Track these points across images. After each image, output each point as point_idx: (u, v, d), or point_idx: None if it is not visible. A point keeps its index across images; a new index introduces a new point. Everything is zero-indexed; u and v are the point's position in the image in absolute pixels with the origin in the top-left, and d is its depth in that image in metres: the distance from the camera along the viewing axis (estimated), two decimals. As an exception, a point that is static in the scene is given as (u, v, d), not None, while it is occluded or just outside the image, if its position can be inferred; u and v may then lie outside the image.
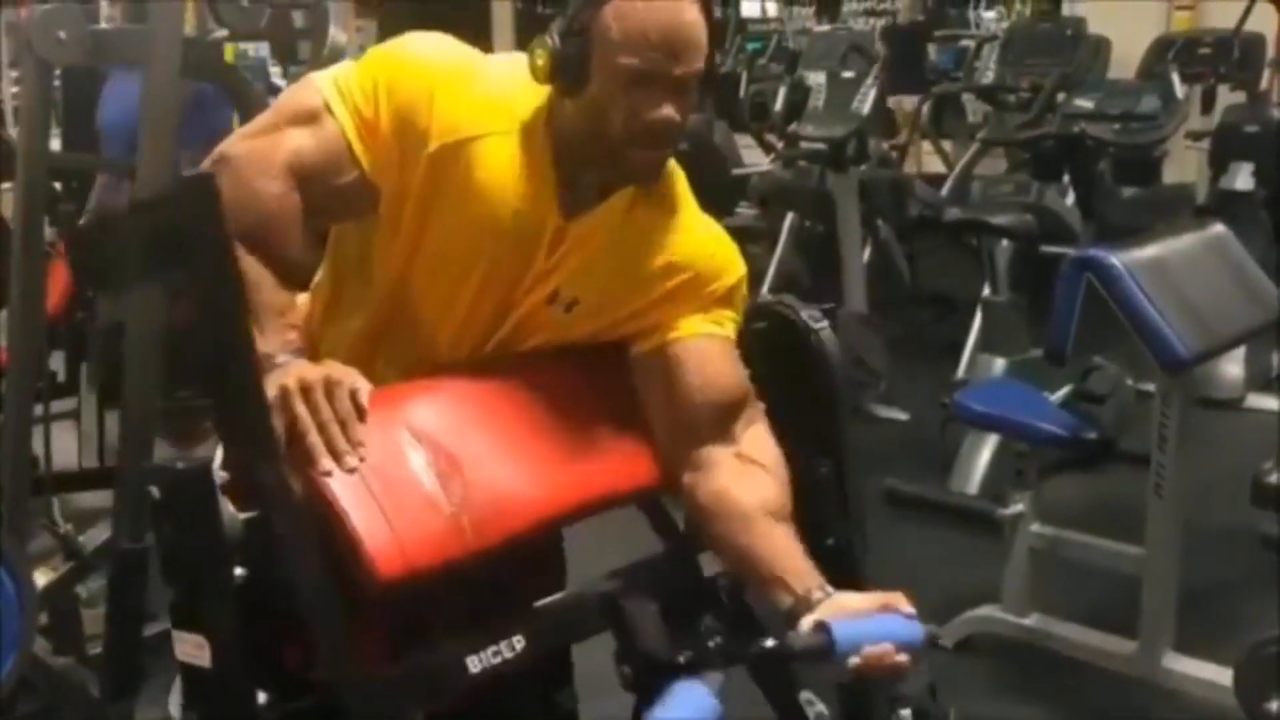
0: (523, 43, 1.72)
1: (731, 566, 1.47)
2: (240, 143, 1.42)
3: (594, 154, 1.40)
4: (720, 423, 1.47)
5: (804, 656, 1.32)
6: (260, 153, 1.38)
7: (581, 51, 1.35)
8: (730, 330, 1.51)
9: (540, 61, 1.37)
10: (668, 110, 1.36)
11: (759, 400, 1.52)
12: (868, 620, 1.35)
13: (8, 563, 2.28)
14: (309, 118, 1.39)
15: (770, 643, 1.31)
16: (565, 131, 1.42)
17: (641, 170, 1.42)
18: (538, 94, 1.42)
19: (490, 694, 1.36)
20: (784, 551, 1.41)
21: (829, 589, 1.39)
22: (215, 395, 1.20)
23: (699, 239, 1.51)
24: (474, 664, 1.34)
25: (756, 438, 1.49)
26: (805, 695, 1.60)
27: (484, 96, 1.42)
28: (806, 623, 1.35)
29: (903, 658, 1.33)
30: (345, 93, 1.39)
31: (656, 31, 1.33)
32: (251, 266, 1.31)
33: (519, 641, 1.36)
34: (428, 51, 1.43)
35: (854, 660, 1.30)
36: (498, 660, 1.35)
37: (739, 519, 1.43)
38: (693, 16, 1.36)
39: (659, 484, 1.54)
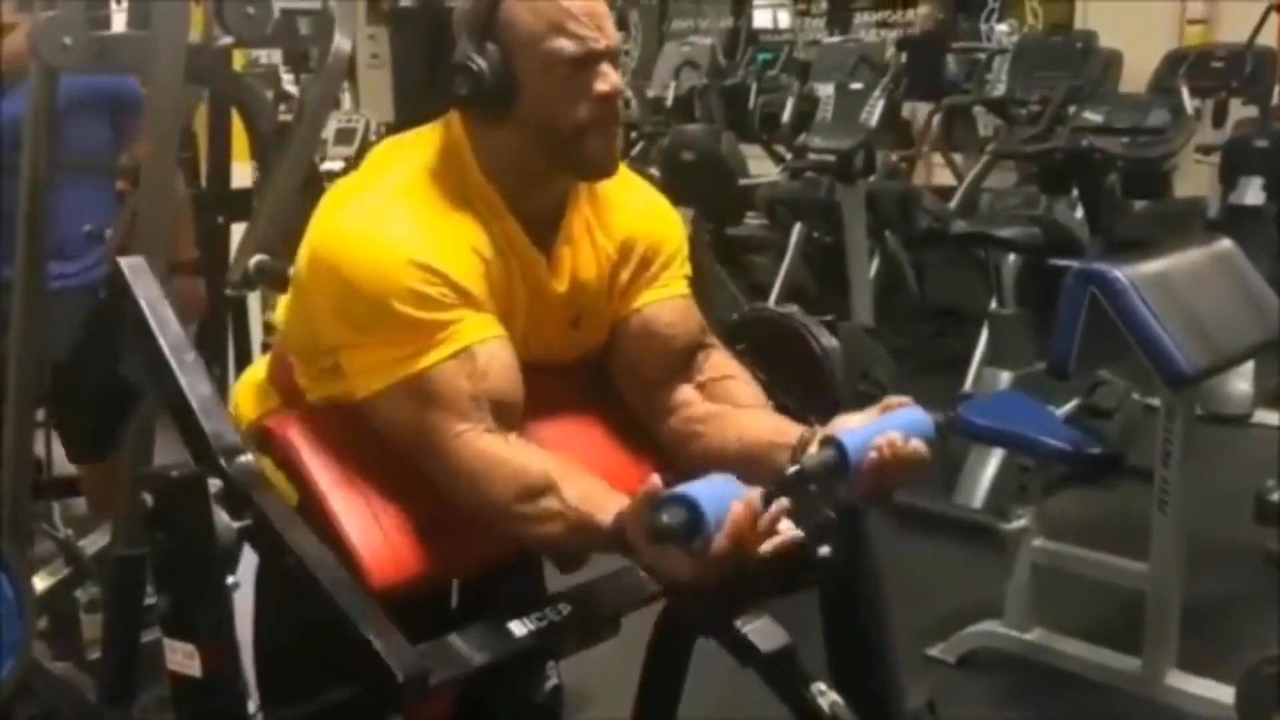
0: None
1: (733, 467, 1.43)
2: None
3: (547, 164, 1.39)
4: (683, 366, 1.52)
5: (820, 473, 1.29)
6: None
7: (501, 62, 1.33)
8: (680, 286, 1.54)
9: (465, 91, 1.34)
10: (613, 78, 1.36)
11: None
12: (872, 423, 1.35)
13: (8, 567, 2.28)
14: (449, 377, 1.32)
15: (789, 470, 1.28)
16: (505, 161, 1.39)
17: (600, 158, 1.40)
18: (453, 160, 1.39)
19: (469, 695, 1.36)
20: (771, 424, 1.46)
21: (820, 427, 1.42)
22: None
23: (637, 213, 1.52)
24: (519, 628, 1.32)
25: (718, 362, 1.54)
26: (817, 686, 1.58)
27: (443, 225, 1.35)
28: (814, 445, 1.35)
29: (917, 444, 1.32)
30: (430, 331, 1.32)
31: (576, 7, 1.34)
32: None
33: (565, 608, 1.36)
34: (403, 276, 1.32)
35: (871, 456, 1.29)
36: (544, 624, 1.34)
37: (720, 422, 1.48)
38: None
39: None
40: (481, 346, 1.33)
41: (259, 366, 1.56)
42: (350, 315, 1.33)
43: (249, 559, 1.40)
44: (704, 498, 1.18)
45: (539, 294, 1.44)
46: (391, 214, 1.34)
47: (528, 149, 1.38)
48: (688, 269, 1.56)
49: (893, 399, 1.40)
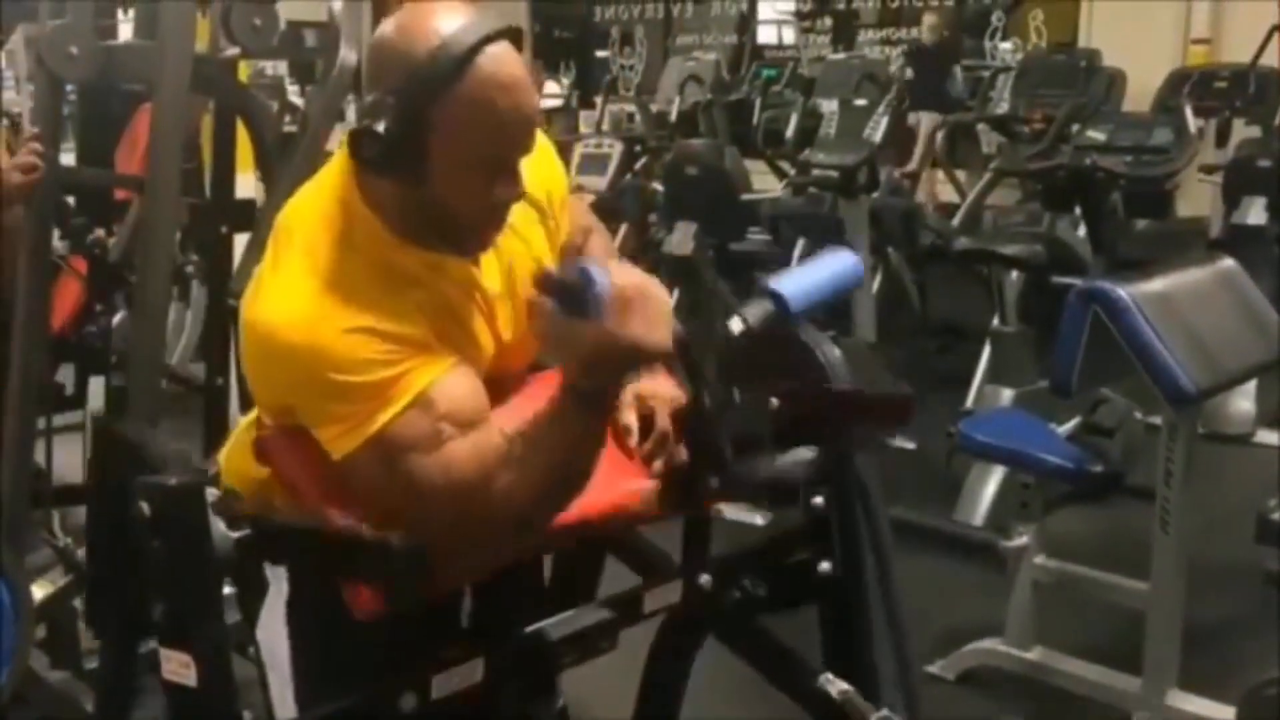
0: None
1: None
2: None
3: (437, 229, 1.36)
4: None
5: (764, 326, 1.34)
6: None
7: (418, 139, 1.27)
8: (571, 205, 1.61)
9: (368, 153, 1.28)
10: (515, 189, 1.34)
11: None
12: (808, 270, 1.41)
13: (6, 575, 2.28)
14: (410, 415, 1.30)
15: (735, 325, 1.33)
16: (393, 205, 1.35)
17: (472, 251, 1.39)
18: (353, 208, 1.36)
19: (469, 713, 1.35)
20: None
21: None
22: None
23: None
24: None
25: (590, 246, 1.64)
26: (825, 676, 1.58)
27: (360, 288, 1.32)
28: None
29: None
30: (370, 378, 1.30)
31: (512, 122, 1.29)
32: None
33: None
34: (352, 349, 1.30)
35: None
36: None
37: None
38: (535, 103, 1.34)
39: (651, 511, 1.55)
40: (436, 387, 1.31)
41: (248, 419, 1.54)
42: (300, 396, 1.32)
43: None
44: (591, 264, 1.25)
45: (493, 300, 1.43)
46: (310, 289, 1.30)
47: (411, 205, 1.34)
48: (560, 172, 1.59)
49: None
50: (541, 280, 1.25)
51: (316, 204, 1.39)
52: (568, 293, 1.22)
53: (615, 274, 1.24)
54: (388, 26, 1.31)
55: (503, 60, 1.28)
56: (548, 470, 1.30)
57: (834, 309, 5.14)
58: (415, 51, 1.27)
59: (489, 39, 1.27)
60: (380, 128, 1.26)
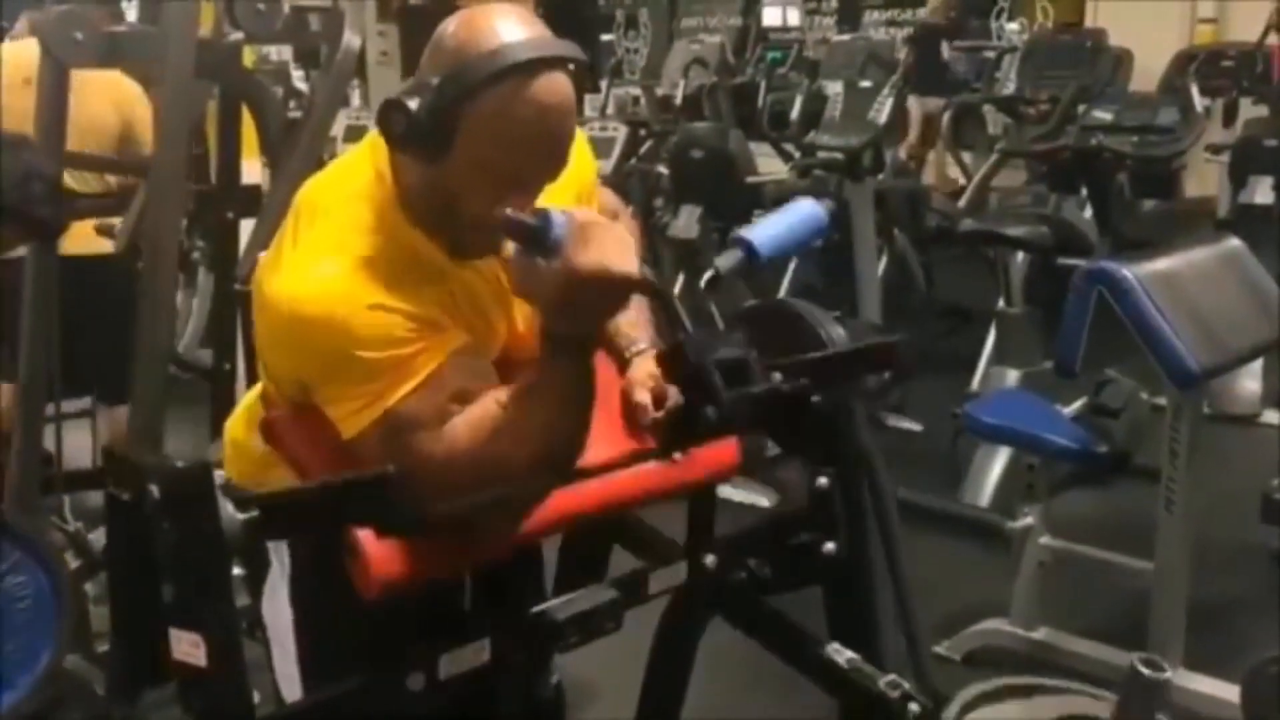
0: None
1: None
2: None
3: (450, 225, 1.36)
4: None
5: (736, 272, 1.47)
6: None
7: (446, 129, 1.26)
8: (599, 197, 1.60)
9: (396, 128, 1.27)
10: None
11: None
12: (773, 219, 1.52)
13: (42, 557, 2.28)
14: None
15: (707, 275, 1.43)
16: (416, 192, 1.35)
17: (474, 256, 1.39)
18: (380, 191, 1.36)
19: (470, 689, 1.36)
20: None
21: (641, 346, 1.54)
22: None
23: None
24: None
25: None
26: (832, 645, 1.59)
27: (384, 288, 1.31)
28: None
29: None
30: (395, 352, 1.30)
31: (539, 147, 1.29)
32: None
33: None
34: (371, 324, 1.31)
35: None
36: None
37: None
38: (571, 130, 1.32)
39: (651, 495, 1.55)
40: (450, 365, 1.32)
41: (254, 391, 1.55)
42: (314, 372, 1.32)
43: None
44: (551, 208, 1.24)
45: (511, 294, 1.42)
46: (332, 265, 1.30)
47: (428, 198, 1.35)
48: (591, 162, 1.58)
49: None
50: (502, 223, 1.22)
51: (344, 185, 1.38)
52: (529, 234, 1.21)
53: (576, 214, 1.23)
54: (459, 16, 1.31)
55: (551, 86, 1.27)
56: (540, 429, 1.28)
57: (840, 290, 5.12)
58: (471, 46, 1.27)
59: (546, 61, 1.26)
60: (413, 105, 1.26)
